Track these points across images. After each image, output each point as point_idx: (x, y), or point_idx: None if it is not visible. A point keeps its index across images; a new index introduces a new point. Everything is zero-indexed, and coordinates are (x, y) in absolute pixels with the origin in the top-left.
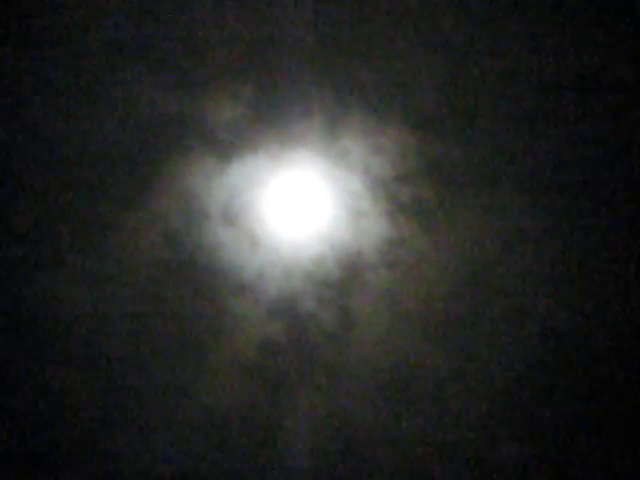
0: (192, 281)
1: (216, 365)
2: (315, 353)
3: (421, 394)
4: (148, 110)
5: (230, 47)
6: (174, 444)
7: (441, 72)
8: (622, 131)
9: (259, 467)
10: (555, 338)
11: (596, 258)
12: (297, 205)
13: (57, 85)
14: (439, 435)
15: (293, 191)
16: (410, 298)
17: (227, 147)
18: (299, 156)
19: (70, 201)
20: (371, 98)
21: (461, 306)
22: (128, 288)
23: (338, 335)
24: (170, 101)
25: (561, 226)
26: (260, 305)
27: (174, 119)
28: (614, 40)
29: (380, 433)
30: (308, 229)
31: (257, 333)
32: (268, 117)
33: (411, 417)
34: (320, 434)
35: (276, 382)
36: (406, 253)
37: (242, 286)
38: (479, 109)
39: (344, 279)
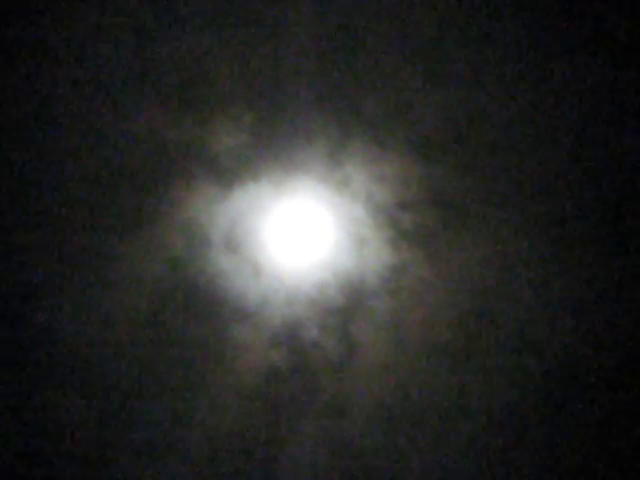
0: (195, 308)
1: (218, 392)
2: (318, 380)
3: (424, 422)
4: (151, 138)
5: (233, 75)
6: (176, 470)
7: (443, 100)
8: (625, 159)
9: None
10: (558, 366)
11: (600, 285)
12: (299, 232)
13: (61, 112)
14: (442, 463)
15: (295, 218)
16: (413, 325)
17: (229, 175)
18: (301, 183)
19: (72, 228)
20: (373, 125)
21: (464, 333)
22: (131, 315)
23: (341, 362)
24: (173, 129)
25: (564, 253)
26: (263, 332)
27: (177, 147)
28: (619, 64)
29: (382, 461)
30: (311, 256)
31: (260, 360)
32: (270, 145)
33: (413, 445)
34: (322, 461)
35: (278, 409)
36: (409, 280)
37: (245, 313)
38: (481, 137)
39: (347, 306)
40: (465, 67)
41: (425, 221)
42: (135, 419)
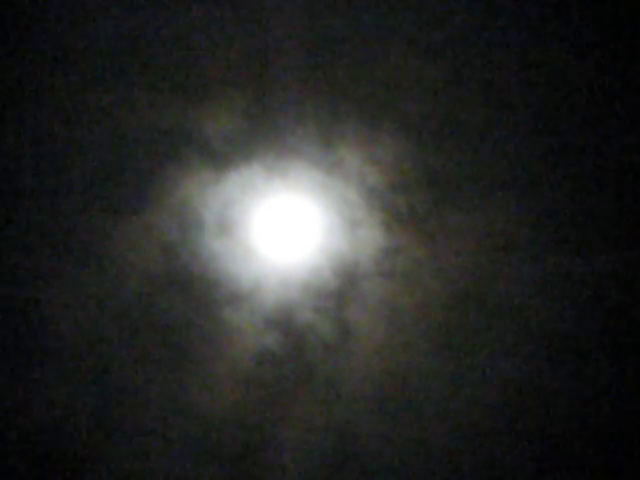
0: (188, 292)
1: (212, 375)
2: (312, 363)
3: (418, 404)
4: (143, 122)
5: (225, 59)
6: (169, 454)
7: (437, 82)
8: (620, 139)
9: (254, 477)
10: (553, 346)
11: (594, 265)
12: (293, 215)
13: (53, 97)
14: (436, 445)
15: (288, 201)
16: (407, 307)
17: (222, 158)
18: (294, 166)
19: (65, 212)
20: (366, 108)
21: (458, 315)
22: (123, 299)
23: (335, 345)
24: (166, 113)
25: (558, 234)
26: (256, 315)
27: (169, 130)
28: (614, 48)
29: (377, 443)
30: (304, 239)
31: (253, 343)
32: (263, 128)
33: (408, 426)
34: (316, 444)
35: (272, 392)
36: (403, 262)
37: (238, 297)
38: (475, 118)
39: (341, 289)
40: (460, 48)
41: (419, 203)
42: (127, 403)
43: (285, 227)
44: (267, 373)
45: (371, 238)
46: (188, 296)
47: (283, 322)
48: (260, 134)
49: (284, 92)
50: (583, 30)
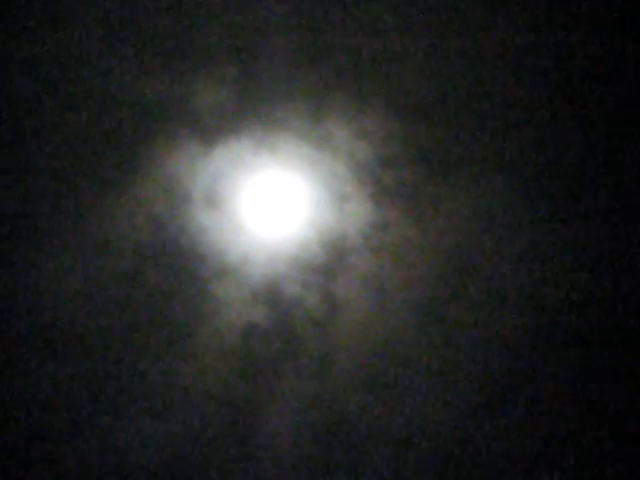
0: (175, 265)
1: (199, 349)
2: (299, 338)
3: (406, 378)
4: (132, 94)
5: (214, 32)
6: (157, 428)
7: (425, 56)
8: (612, 121)
9: (242, 452)
10: (542, 321)
11: (582, 243)
12: (281, 189)
13: (41, 70)
14: (425, 419)
15: (277, 175)
16: (395, 282)
17: (210, 131)
18: (282, 140)
19: (53, 184)
20: (354, 81)
21: (446, 290)
22: (111, 271)
23: (323, 320)
24: (154, 85)
25: (548, 210)
26: (244, 289)
27: (158, 103)
28: (611, 36)
29: (365, 417)
30: (292, 213)
31: (240, 318)
32: (251, 101)
33: (395, 402)
34: (304, 420)
35: (260, 366)
36: (391, 237)
37: (225, 270)
38: (464, 92)
39: (329, 263)
40: (450, 22)
41: (407, 178)
42: (114, 377)
43: (273, 201)
44: (255, 347)
45: (359, 213)
46: (176, 269)
47: (271, 296)
48: (249, 108)
49: (273, 66)
50: (575, 11)
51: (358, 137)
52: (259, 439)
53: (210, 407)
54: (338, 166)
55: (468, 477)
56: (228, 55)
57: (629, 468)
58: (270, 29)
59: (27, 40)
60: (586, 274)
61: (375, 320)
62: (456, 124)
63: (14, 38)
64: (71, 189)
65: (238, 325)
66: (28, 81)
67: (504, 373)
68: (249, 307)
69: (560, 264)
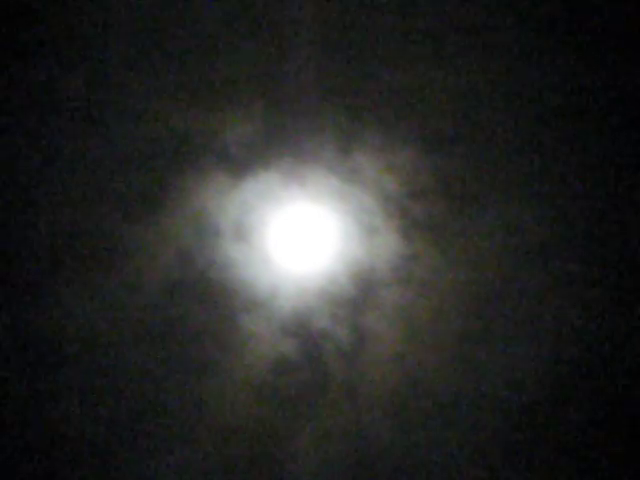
0: (204, 298)
1: (228, 382)
2: (328, 370)
3: (436, 412)
4: (161, 128)
5: (242, 65)
6: (184, 460)
7: (454, 89)
8: (631, 143)
9: None
10: (572, 354)
11: (613, 271)
12: (310, 222)
13: (70, 101)
14: (454, 451)
15: (306, 208)
16: (424, 314)
17: (239, 164)
18: (311, 172)
19: (83, 218)
20: (383, 115)
21: (475, 322)
22: (140, 305)
23: (352, 352)
24: (183, 119)
25: (576, 240)
26: (273, 322)
27: (187, 136)
28: (620, 57)
29: (394, 450)
30: (321, 246)
31: (270, 350)
32: (280, 134)
33: (425, 435)
34: (333, 453)
35: (289, 400)
36: (419, 269)
37: (255, 303)
38: (493, 125)
39: (357, 296)
40: (478, 58)
41: (435, 210)
42: (144, 409)
43: (302, 234)
44: (284, 380)
45: (388, 245)
46: (205, 303)
47: (300, 329)
48: (278, 141)
49: (302, 99)
50: (599, 32)
51: (386, 170)
52: (287, 472)
53: (238, 440)
54: (367, 199)
55: None
56: (257, 88)
57: None
58: (298, 62)
59: (61, 73)
60: (617, 304)
61: (404, 352)
62: (484, 157)
63: (48, 71)
64: (99, 222)
65: (267, 358)
66: (62, 115)
67: (536, 405)
68: (278, 340)
69: (591, 295)
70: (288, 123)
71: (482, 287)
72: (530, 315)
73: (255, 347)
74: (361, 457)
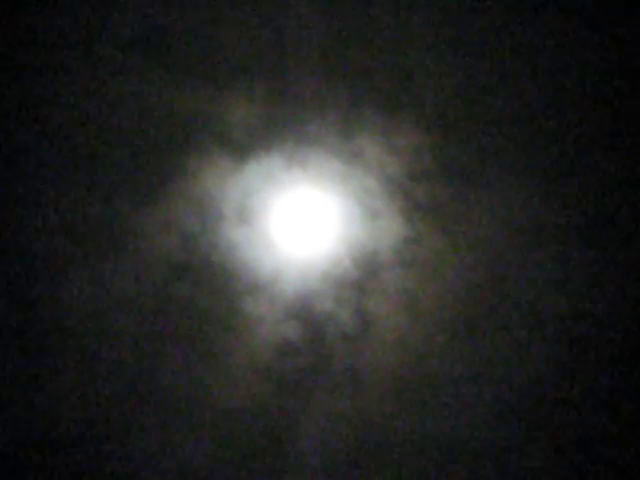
0: (207, 281)
1: (231, 366)
2: (331, 353)
3: (438, 393)
4: (163, 111)
5: (244, 47)
6: (188, 445)
7: (456, 71)
8: (632, 128)
9: (274, 468)
10: (573, 337)
11: (615, 255)
12: (312, 205)
13: (72, 86)
14: (456, 436)
15: (308, 191)
16: (427, 297)
17: (241, 147)
18: (313, 155)
19: (85, 203)
20: (385, 96)
21: (478, 305)
22: (143, 288)
23: (355, 335)
24: (185, 102)
25: (579, 223)
26: (276, 305)
27: (189, 119)
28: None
29: (396, 433)
30: (323, 229)
31: (273, 334)
32: (282, 116)
33: (427, 417)
34: (336, 435)
35: (292, 383)
36: (422, 252)
37: (257, 286)
38: (496, 107)
39: (360, 279)
40: (481, 40)
41: (438, 192)
42: (146, 393)
43: (305, 217)
44: (286, 363)
45: (391, 228)
46: (208, 286)
47: (303, 312)
48: (280, 124)
49: (304, 81)
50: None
51: (389, 152)
52: (291, 455)
53: (242, 423)
54: (369, 181)
55: None
56: (258, 71)
57: None
58: (300, 45)
59: (56, 55)
60: (621, 284)
61: (407, 335)
62: (487, 138)
63: (47, 51)
64: (101, 206)
65: (270, 341)
66: (58, 97)
67: (538, 387)
68: (281, 323)
69: (593, 275)
70: (290, 106)
71: (485, 269)
72: (534, 295)
73: (258, 330)
74: (364, 439)
